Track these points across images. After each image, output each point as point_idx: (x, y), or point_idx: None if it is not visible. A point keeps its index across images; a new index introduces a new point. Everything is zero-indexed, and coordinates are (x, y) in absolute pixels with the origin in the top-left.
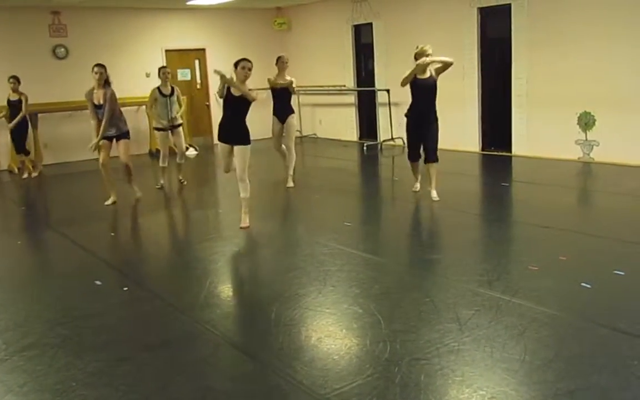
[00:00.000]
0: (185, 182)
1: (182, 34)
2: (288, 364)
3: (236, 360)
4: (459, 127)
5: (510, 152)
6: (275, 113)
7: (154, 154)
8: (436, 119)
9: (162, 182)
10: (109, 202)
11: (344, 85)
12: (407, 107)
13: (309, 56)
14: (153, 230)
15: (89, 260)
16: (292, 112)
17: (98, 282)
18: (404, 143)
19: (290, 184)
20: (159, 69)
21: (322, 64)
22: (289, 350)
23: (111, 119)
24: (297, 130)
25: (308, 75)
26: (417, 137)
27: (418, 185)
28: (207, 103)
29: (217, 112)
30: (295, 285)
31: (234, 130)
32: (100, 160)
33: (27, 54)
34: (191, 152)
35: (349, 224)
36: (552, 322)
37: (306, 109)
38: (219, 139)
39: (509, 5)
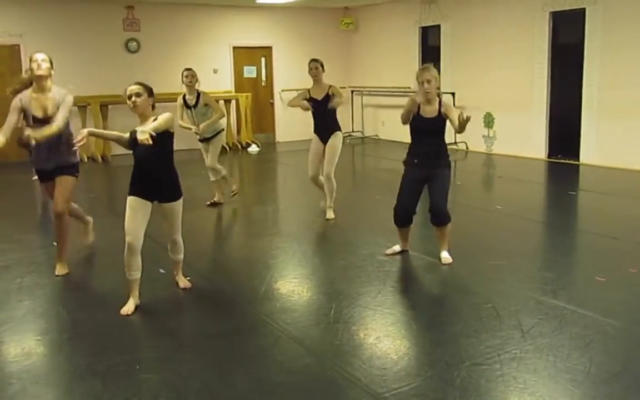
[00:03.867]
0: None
1: (249, 32)
2: (346, 361)
3: (294, 353)
4: (525, 132)
5: (578, 160)
6: (316, 131)
7: None
8: (447, 165)
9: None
10: (61, 272)
11: (409, 87)
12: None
13: (375, 57)
14: (215, 223)
15: (154, 248)
16: (338, 129)
17: (162, 271)
18: (466, 147)
19: (331, 215)
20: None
21: (387, 65)
22: (348, 347)
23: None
24: (359, 132)
25: (373, 75)
26: (412, 191)
27: (398, 247)
28: (271, 101)
29: (280, 111)
30: (355, 284)
31: (159, 182)
32: (59, 208)
33: (100, 47)
34: (253, 148)
35: None
36: (620, 335)
37: (369, 109)
38: (134, 193)
39: (584, 10)
